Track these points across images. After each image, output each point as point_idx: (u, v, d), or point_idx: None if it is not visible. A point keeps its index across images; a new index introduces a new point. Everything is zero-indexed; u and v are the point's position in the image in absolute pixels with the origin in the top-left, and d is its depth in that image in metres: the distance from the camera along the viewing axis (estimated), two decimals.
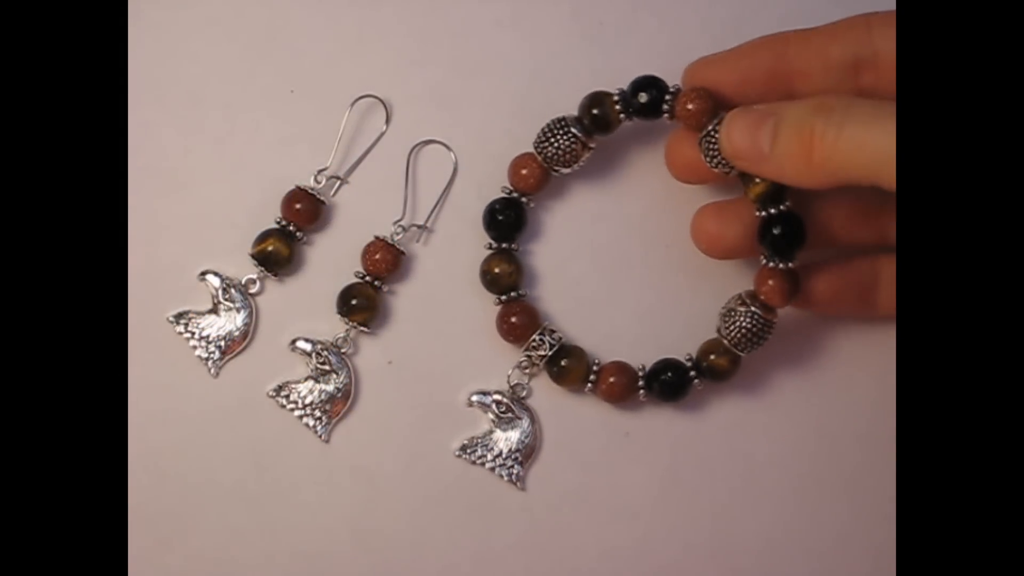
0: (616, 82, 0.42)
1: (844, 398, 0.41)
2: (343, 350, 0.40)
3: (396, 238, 0.40)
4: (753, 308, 0.38)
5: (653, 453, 0.40)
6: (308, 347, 0.40)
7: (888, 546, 0.39)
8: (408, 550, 0.39)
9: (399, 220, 0.41)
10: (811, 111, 0.34)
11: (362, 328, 0.40)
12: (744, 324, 0.38)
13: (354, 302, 0.40)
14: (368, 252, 0.40)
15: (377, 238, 0.40)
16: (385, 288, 0.40)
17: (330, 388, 0.40)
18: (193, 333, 0.40)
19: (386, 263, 0.40)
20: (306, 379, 0.40)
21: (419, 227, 0.41)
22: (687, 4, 0.43)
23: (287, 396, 0.40)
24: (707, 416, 0.40)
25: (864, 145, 0.32)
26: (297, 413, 0.39)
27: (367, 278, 0.40)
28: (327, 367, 0.39)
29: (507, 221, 0.40)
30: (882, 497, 0.40)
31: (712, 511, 0.40)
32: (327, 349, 0.40)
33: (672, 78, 0.39)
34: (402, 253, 0.40)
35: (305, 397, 0.39)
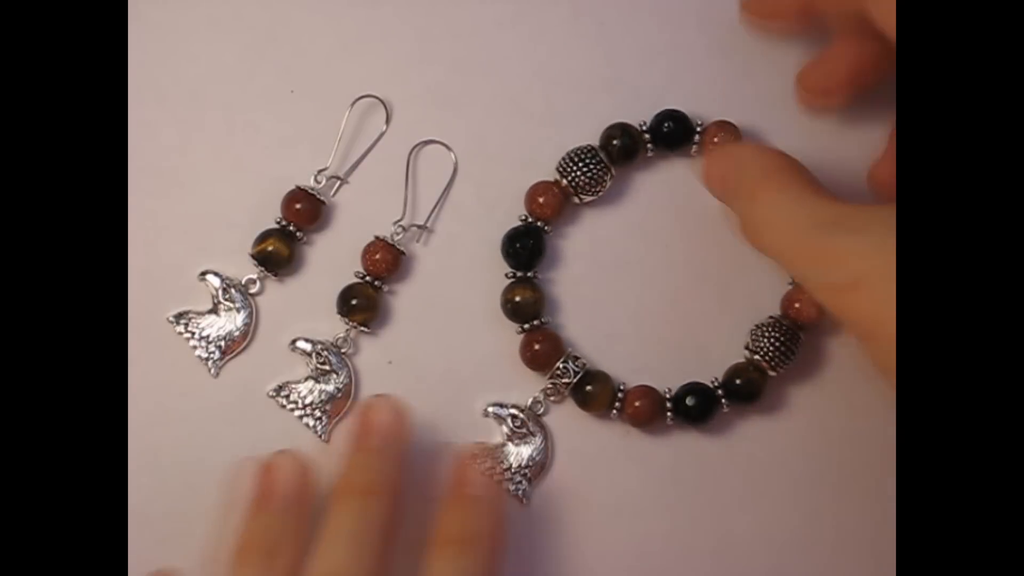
0: (617, 82, 0.42)
1: (844, 399, 0.40)
2: (343, 350, 0.40)
3: (396, 238, 0.40)
4: (784, 324, 0.39)
5: (662, 471, 0.40)
6: (308, 347, 0.40)
7: (888, 547, 0.39)
8: (408, 550, 0.39)
9: (399, 220, 0.41)
10: None
11: (362, 328, 0.40)
12: (776, 340, 0.38)
13: (354, 302, 0.40)
14: (368, 252, 0.40)
15: (377, 238, 0.40)
16: (385, 288, 0.40)
17: (330, 388, 0.40)
18: (193, 333, 0.40)
19: (386, 263, 0.40)
20: (306, 379, 0.40)
21: (419, 227, 0.41)
22: (687, 4, 0.43)
23: (287, 396, 0.40)
24: (709, 421, 0.40)
25: None
26: (297, 413, 0.39)
27: (367, 278, 0.40)
28: (327, 367, 0.39)
29: (527, 249, 0.40)
30: (882, 498, 0.40)
31: (714, 522, 0.40)
32: (327, 349, 0.40)
33: (671, 78, 0.39)
34: (402, 253, 0.40)
35: (305, 397, 0.40)
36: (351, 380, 0.40)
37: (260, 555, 0.34)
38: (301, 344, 0.40)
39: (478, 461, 0.37)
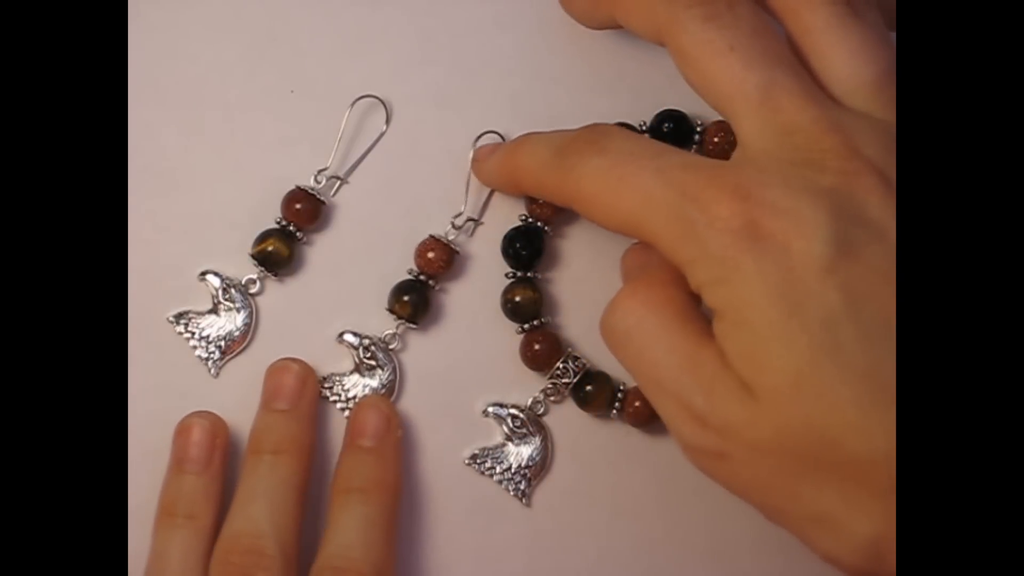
0: (617, 82, 0.42)
1: None
2: (391, 346, 0.40)
3: (450, 238, 0.40)
4: None
5: (662, 471, 0.40)
6: (355, 341, 0.40)
7: None
8: (409, 551, 0.39)
9: (458, 215, 0.41)
10: None
11: (409, 324, 0.40)
12: None
13: (406, 298, 0.40)
14: (421, 251, 0.40)
15: (432, 237, 0.40)
16: (436, 286, 0.40)
17: (374, 383, 0.40)
18: (193, 333, 0.40)
19: (440, 262, 0.40)
20: (351, 372, 0.40)
21: (473, 221, 0.41)
22: None
23: (331, 388, 0.40)
24: None
25: None
26: (339, 406, 0.40)
27: (421, 276, 0.40)
28: (374, 363, 0.40)
29: (527, 249, 0.40)
30: None
31: (714, 522, 0.40)
32: (375, 344, 0.40)
33: (671, 78, 0.39)
34: (456, 252, 0.40)
35: (349, 391, 0.40)
36: (396, 376, 0.40)
37: (180, 516, 0.37)
38: (348, 338, 0.40)
39: (373, 412, 0.39)
